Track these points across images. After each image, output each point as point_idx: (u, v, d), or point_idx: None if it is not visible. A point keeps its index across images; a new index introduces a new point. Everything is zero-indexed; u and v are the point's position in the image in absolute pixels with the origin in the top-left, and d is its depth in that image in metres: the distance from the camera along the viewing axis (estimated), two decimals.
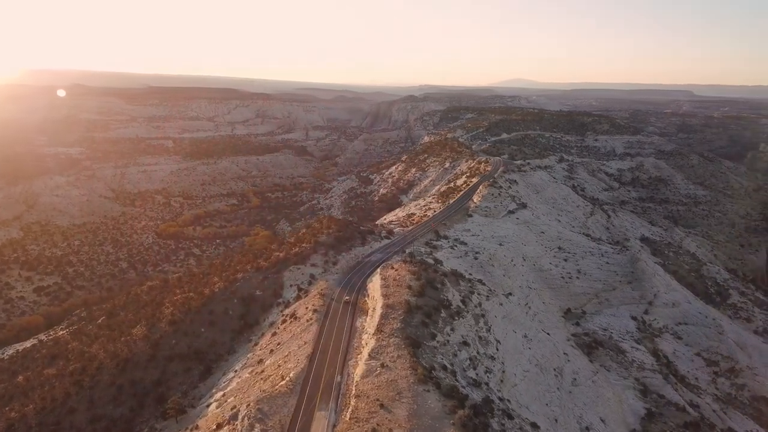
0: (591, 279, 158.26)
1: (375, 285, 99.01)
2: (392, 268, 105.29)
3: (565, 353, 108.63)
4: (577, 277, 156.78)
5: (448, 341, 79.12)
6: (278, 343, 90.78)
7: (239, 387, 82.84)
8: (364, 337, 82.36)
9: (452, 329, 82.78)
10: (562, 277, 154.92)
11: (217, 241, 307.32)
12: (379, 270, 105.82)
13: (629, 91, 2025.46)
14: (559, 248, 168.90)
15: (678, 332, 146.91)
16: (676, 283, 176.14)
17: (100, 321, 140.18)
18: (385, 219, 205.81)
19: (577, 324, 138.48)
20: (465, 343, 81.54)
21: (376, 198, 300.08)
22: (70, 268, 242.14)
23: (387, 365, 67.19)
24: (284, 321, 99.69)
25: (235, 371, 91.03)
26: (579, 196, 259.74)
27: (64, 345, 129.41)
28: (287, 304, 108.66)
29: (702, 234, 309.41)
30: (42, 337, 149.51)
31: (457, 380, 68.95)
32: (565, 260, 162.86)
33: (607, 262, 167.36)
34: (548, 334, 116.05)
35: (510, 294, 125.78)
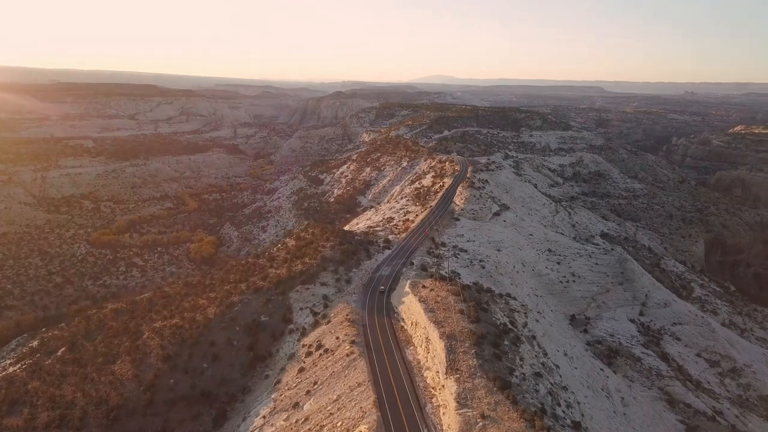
0: (586, 282, 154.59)
1: (412, 308, 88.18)
2: (423, 286, 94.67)
3: (601, 369, 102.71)
4: (573, 281, 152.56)
5: (524, 375, 70.08)
6: (314, 383, 78.32)
7: None
8: (428, 375, 71.83)
9: (521, 359, 73.79)
10: (560, 282, 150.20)
11: (159, 248, 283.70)
12: (408, 289, 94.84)
13: (544, 87, 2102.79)
14: (549, 251, 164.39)
15: (676, 333, 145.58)
16: (657, 282, 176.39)
17: (60, 354, 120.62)
18: (357, 224, 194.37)
19: (585, 331, 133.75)
20: (538, 375, 72.83)
21: (332, 199, 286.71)
22: None
23: (489, 416, 56.90)
24: (309, 353, 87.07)
25: (264, 417, 77.79)
26: (541, 193, 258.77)
27: (22, 386, 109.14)
28: (303, 332, 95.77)
29: (648, 227, 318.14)
30: None
31: (560, 424, 60.17)
32: (558, 263, 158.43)
33: (596, 263, 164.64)
34: (575, 347, 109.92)
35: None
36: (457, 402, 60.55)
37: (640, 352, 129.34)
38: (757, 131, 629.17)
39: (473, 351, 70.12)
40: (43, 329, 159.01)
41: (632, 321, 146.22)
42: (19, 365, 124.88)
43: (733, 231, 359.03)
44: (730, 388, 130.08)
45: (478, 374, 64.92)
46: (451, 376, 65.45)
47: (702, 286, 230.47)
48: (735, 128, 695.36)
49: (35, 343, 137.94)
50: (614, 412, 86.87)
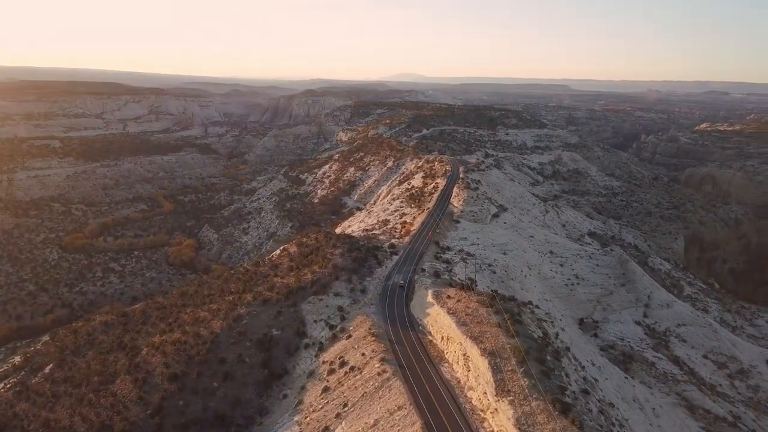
0: (589, 284, 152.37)
1: (440, 321, 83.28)
2: (449, 297, 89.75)
3: (626, 378, 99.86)
4: (578, 283, 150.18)
5: (575, 393, 66.08)
6: (343, 404, 72.96)
7: None
8: (473, 396, 67.14)
9: (567, 375, 69.85)
10: (566, 285, 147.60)
11: (136, 252, 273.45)
12: (433, 300, 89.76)
13: (512, 85, 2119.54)
14: (551, 252, 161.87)
15: (681, 334, 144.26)
16: (656, 282, 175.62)
17: (48, 371, 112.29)
18: (349, 227, 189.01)
19: (596, 336, 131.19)
20: (585, 392, 69.09)
21: (316, 200, 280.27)
22: None
23: None
24: (332, 371, 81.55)
25: None
26: (530, 193, 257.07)
27: (9, 408, 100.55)
28: (321, 347, 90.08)
29: (630, 225, 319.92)
30: None
31: None
32: (561, 265, 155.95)
33: (598, 265, 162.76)
34: (596, 355, 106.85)
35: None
36: (518, 428, 55.87)
37: (651, 356, 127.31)
38: (722, 128, 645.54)
39: (522, 369, 65.62)
40: (24, 341, 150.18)
41: (638, 323, 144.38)
42: (3, 384, 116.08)
43: (709, 227, 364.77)
44: (740, 390, 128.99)
45: (533, 396, 60.32)
46: (504, 399, 60.73)
47: (690, 284, 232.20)
48: (701, 126, 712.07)
49: (17, 359, 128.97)
50: (650, 424, 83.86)
